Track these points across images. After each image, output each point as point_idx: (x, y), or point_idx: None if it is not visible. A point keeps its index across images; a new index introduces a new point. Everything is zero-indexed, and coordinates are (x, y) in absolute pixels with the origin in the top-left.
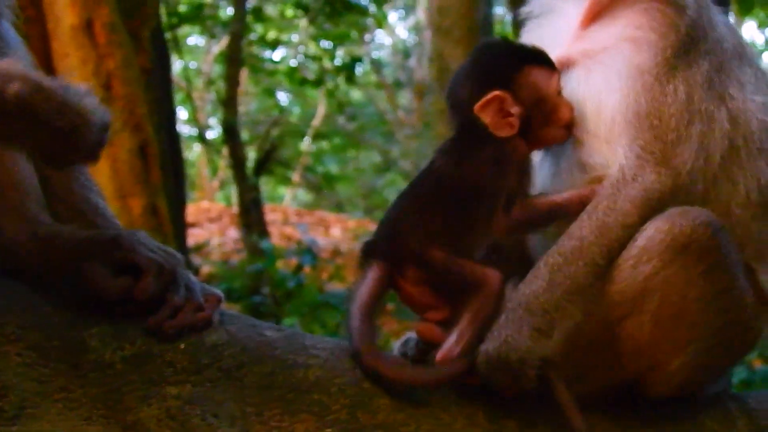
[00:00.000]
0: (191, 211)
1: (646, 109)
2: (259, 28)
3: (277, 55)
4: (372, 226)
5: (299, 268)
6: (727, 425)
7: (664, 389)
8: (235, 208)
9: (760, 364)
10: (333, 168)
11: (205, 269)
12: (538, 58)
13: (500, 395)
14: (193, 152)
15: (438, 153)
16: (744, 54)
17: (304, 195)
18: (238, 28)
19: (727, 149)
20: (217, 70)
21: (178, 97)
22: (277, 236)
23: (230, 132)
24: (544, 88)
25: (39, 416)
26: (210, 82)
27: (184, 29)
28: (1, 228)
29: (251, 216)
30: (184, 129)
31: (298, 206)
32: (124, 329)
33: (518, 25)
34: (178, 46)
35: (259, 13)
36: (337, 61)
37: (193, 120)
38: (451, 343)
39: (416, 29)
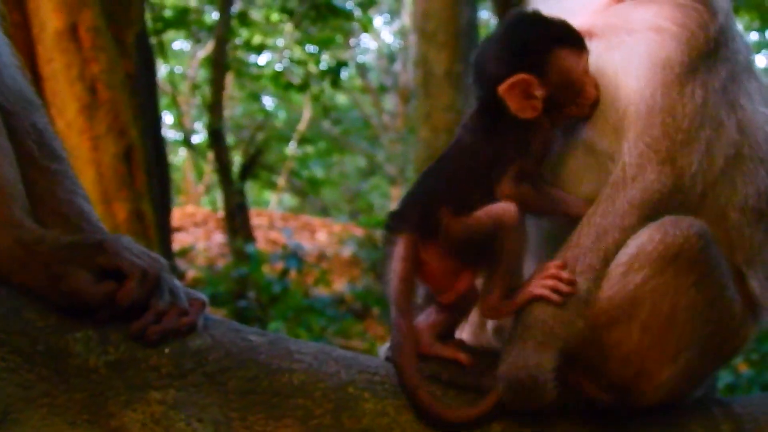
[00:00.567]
0: (176, 216)
1: (660, 105)
2: (244, 33)
3: (263, 59)
4: (357, 231)
5: (285, 272)
6: (712, 430)
7: (651, 397)
8: (220, 213)
9: (745, 369)
10: (318, 172)
11: (191, 274)
12: (568, 38)
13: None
14: (179, 157)
15: (463, 129)
16: (752, 68)
17: (289, 199)
18: (223, 33)
19: (732, 156)
20: (202, 74)
21: (163, 101)
22: (262, 241)
23: (215, 136)
24: (573, 71)
25: (23, 421)
26: (195, 87)
27: (170, 34)
28: None
29: (237, 220)
30: (170, 133)
31: (283, 211)
32: (107, 334)
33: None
34: (164, 50)
35: (244, 18)
36: (323, 66)
37: (179, 124)
38: (492, 296)
39: (401, 33)
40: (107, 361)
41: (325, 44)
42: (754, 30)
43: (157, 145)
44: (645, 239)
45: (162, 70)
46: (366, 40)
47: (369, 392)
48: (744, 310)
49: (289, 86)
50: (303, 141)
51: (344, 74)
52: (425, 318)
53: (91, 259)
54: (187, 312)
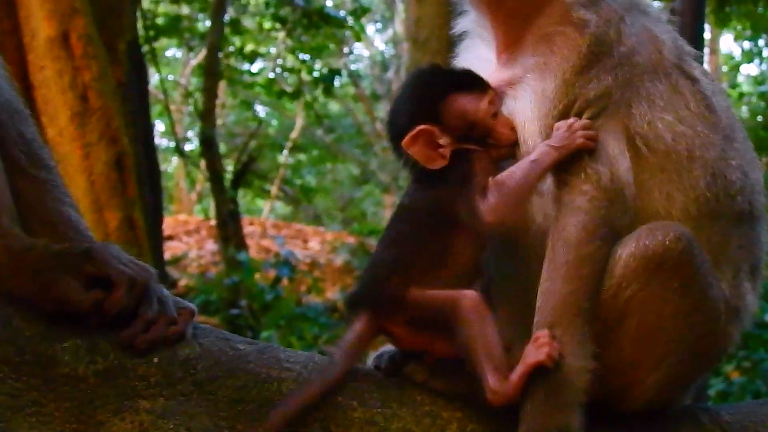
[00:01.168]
0: (169, 224)
1: (548, 134)
2: (236, 41)
3: (255, 67)
4: (349, 239)
5: (277, 280)
6: None
7: (638, 404)
8: (212, 221)
9: (737, 376)
10: (311, 180)
11: (183, 282)
12: (464, 83)
13: None
14: (171, 165)
15: (405, 194)
16: (660, 64)
17: (281, 207)
18: (215, 41)
19: (642, 166)
20: (194, 82)
21: (155, 109)
22: (254, 249)
23: (208, 144)
24: (472, 114)
25: (11, 430)
26: (187, 95)
27: (162, 41)
28: None
29: (229, 229)
30: (162, 141)
31: (275, 219)
32: (96, 343)
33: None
34: (156, 58)
35: (236, 26)
36: (315, 74)
37: (171, 132)
38: (490, 382)
39: (394, 41)
40: (96, 370)
41: (317, 52)
42: (746, 39)
43: (148, 153)
44: (626, 256)
45: (154, 78)
46: (359, 48)
47: (358, 401)
48: (726, 313)
49: (281, 94)
50: (295, 149)
51: (337, 82)
52: None
53: (80, 268)
54: (176, 321)
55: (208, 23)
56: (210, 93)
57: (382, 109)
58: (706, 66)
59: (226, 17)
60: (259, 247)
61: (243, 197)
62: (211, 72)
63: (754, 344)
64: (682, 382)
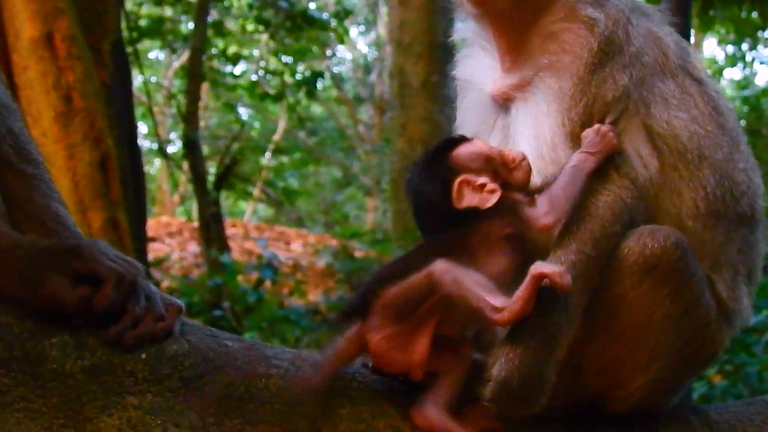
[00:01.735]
0: (151, 226)
1: (570, 129)
2: (219, 43)
3: (238, 69)
4: (332, 242)
5: (259, 282)
6: None
7: (625, 406)
8: (195, 223)
9: (719, 380)
10: (293, 183)
11: (165, 284)
12: (454, 141)
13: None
14: (154, 167)
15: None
16: (666, 65)
17: (264, 210)
18: (198, 43)
19: (660, 165)
20: (177, 84)
21: (138, 111)
22: (237, 251)
23: (191, 146)
24: (478, 151)
25: None
26: (170, 97)
27: (145, 43)
28: None
29: (211, 231)
30: (145, 143)
31: (258, 221)
32: (84, 339)
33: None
34: (139, 60)
35: (219, 28)
36: (298, 76)
37: (154, 134)
38: (489, 309)
39: (377, 44)
40: (84, 366)
41: (300, 55)
42: (730, 43)
43: (132, 155)
44: (625, 251)
45: (137, 79)
46: (342, 51)
47: (345, 398)
48: (719, 317)
49: (264, 96)
50: (278, 151)
51: (320, 85)
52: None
53: (67, 264)
54: (164, 317)
55: (191, 25)
56: (193, 95)
57: (365, 112)
58: None
59: (209, 19)
60: (242, 250)
61: (225, 199)
62: (193, 74)
63: (737, 348)
64: (670, 386)
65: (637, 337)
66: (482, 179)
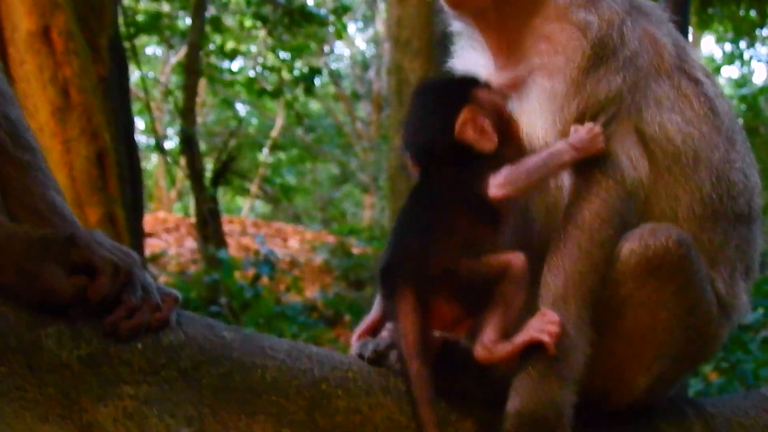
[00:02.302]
0: (148, 222)
1: (561, 128)
2: (217, 39)
3: (236, 65)
4: (329, 238)
5: (256, 278)
6: (685, 430)
7: (623, 403)
8: (192, 219)
9: (715, 377)
10: (291, 179)
11: (162, 279)
12: (478, 80)
13: None
14: (151, 162)
15: (421, 188)
16: (662, 66)
17: (261, 206)
18: (196, 38)
19: (653, 168)
20: (174, 80)
21: (135, 106)
22: (234, 247)
23: (188, 142)
24: (497, 102)
25: None
26: (168, 93)
27: (142, 39)
28: None
29: (209, 227)
30: (142, 139)
31: (255, 217)
32: (80, 329)
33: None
34: (136, 55)
35: (217, 24)
36: (296, 73)
37: (151, 130)
38: (487, 336)
39: (375, 41)
40: (79, 356)
41: (298, 51)
42: (728, 41)
43: (129, 150)
44: (627, 253)
45: (134, 75)
46: (340, 48)
47: (342, 389)
48: (718, 313)
49: (262, 93)
50: (276, 148)
51: (318, 81)
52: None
53: (63, 254)
54: (160, 307)
55: (188, 21)
56: (190, 91)
57: (363, 109)
58: None
59: (207, 15)
60: (239, 246)
61: (223, 195)
62: (191, 70)
63: (733, 346)
64: (669, 383)
65: (643, 337)
66: (486, 123)
